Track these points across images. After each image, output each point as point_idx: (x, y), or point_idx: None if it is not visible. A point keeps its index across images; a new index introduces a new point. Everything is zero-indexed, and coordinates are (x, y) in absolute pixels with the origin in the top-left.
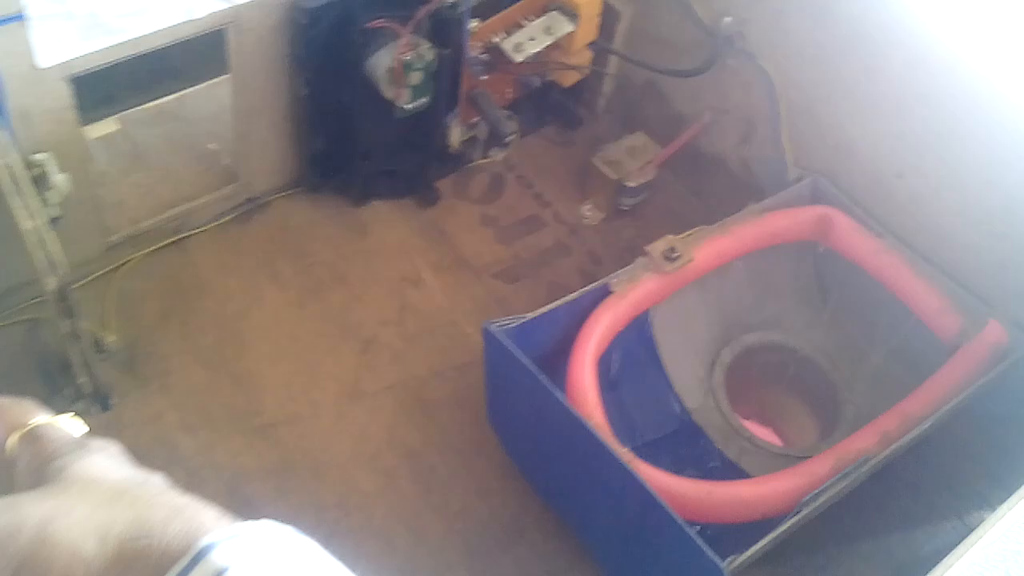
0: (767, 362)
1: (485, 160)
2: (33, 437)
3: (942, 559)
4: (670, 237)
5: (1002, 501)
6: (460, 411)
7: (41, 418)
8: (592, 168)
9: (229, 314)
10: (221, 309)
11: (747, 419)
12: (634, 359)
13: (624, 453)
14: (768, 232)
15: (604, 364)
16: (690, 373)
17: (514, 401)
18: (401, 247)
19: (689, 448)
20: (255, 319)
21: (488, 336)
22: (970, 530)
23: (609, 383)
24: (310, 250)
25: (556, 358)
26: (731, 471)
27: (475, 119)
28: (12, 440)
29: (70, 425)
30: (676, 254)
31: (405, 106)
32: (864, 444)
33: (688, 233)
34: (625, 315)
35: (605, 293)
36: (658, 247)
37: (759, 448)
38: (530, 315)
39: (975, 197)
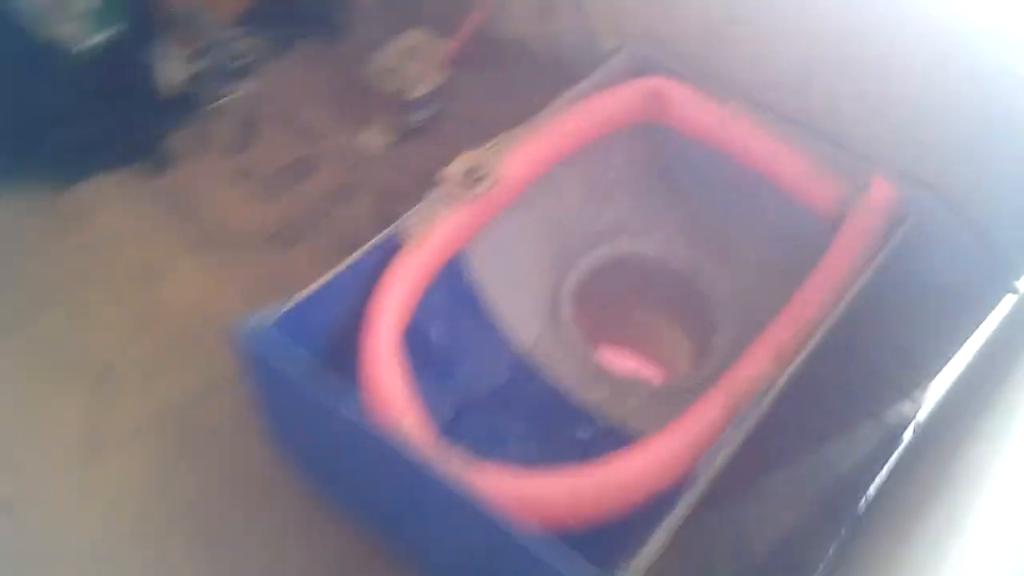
0: (621, 279)
1: (226, 99)
2: None
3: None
4: (467, 155)
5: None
6: (245, 436)
7: None
8: (366, 83)
9: None
10: None
11: (613, 351)
12: (454, 317)
13: (456, 463)
14: (589, 123)
15: (418, 334)
16: (529, 314)
17: (297, 420)
18: (134, 232)
19: (544, 410)
20: None
21: (235, 341)
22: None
23: (430, 356)
24: (6, 261)
25: (352, 339)
26: (604, 433)
27: (197, 47)
28: None
29: None
30: (479, 175)
31: (78, 45)
32: (757, 368)
33: (489, 144)
34: (429, 268)
35: (395, 246)
36: (454, 170)
37: (628, 388)
38: (294, 298)
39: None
